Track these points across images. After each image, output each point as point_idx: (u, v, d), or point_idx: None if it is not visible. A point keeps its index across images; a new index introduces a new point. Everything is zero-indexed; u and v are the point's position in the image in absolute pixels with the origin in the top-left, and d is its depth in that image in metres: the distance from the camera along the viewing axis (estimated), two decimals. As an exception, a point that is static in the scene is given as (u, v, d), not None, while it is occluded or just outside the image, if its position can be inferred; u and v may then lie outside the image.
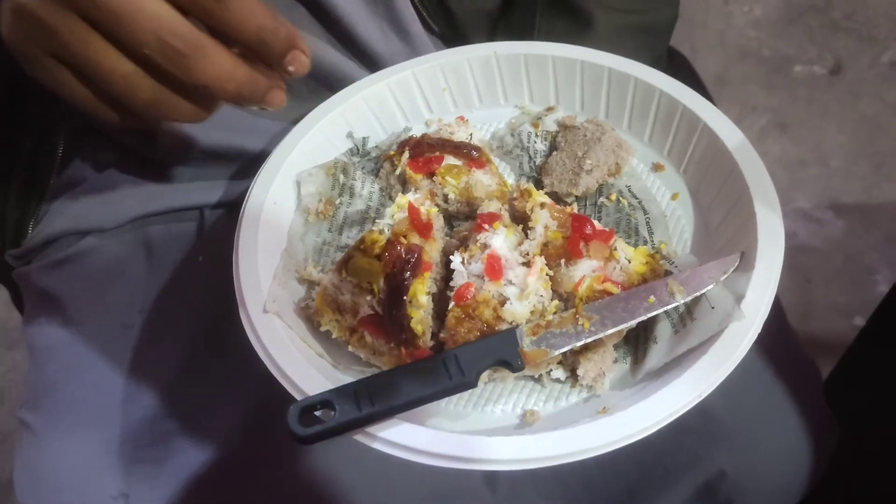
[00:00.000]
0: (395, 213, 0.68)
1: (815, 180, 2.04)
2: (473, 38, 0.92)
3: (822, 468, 0.86)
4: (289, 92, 0.58)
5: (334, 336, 0.67)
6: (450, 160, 0.78)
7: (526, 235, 0.68)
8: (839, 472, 0.91)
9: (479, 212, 0.69)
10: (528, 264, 0.65)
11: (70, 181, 0.91)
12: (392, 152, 0.81)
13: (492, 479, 0.78)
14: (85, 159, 0.92)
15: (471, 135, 0.83)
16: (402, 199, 0.69)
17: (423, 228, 0.66)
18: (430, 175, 0.78)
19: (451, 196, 0.77)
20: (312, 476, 0.74)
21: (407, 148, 0.79)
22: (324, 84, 0.88)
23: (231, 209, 0.90)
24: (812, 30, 2.33)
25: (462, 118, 0.86)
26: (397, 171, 0.79)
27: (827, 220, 1.96)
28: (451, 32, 0.94)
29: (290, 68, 0.55)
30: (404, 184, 0.79)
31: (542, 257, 0.65)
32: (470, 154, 0.79)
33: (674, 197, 0.79)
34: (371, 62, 0.90)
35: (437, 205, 0.77)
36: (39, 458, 0.78)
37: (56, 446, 0.78)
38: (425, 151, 0.79)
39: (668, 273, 0.69)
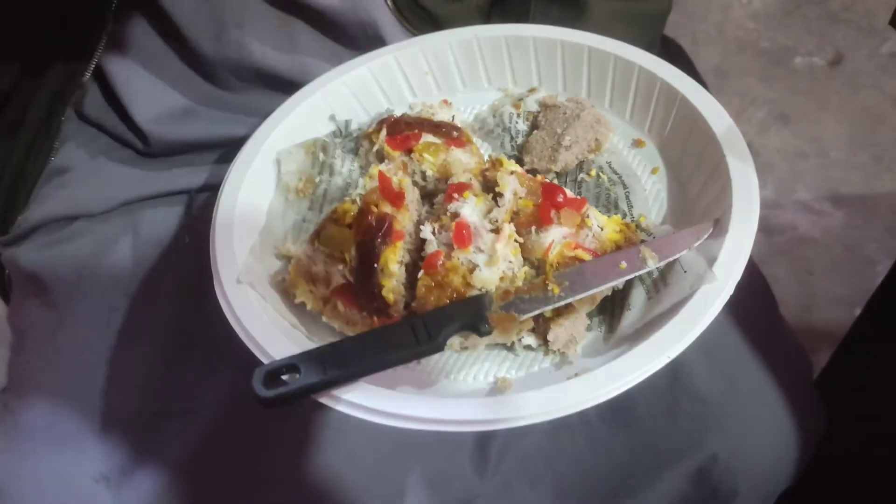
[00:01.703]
0: (367, 184, 0.68)
1: (814, 172, 2.02)
2: None
3: (810, 452, 0.86)
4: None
5: (309, 307, 0.67)
6: (428, 138, 0.78)
7: (496, 204, 0.67)
8: (830, 457, 0.90)
9: (449, 182, 0.69)
10: (496, 231, 0.64)
11: (59, 167, 0.92)
12: (371, 130, 0.81)
13: (482, 466, 0.78)
14: (75, 147, 0.93)
15: (452, 116, 0.83)
16: (374, 169, 0.69)
17: (395, 198, 0.67)
18: (409, 152, 0.77)
19: (429, 173, 0.77)
20: (298, 457, 0.74)
21: (385, 126, 0.79)
22: None
23: (218, 192, 0.90)
24: (811, 21, 2.32)
25: (446, 101, 0.86)
26: (375, 148, 0.79)
27: (827, 212, 1.94)
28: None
29: None
30: (382, 160, 0.79)
31: (511, 224, 0.65)
32: (450, 133, 0.79)
33: (654, 171, 0.79)
34: None
35: (415, 182, 0.77)
36: (20, 440, 0.78)
37: (37, 429, 0.78)
38: (403, 129, 0.79)
39: (644, 242, 0.68)
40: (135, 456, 0.76)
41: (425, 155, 0.77)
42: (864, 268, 1.85)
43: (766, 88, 2.20)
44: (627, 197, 0.77)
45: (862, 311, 1.18)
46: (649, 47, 1.03)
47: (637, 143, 0.82)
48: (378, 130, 0.80)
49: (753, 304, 0.88)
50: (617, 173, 0.79)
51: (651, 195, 0.77)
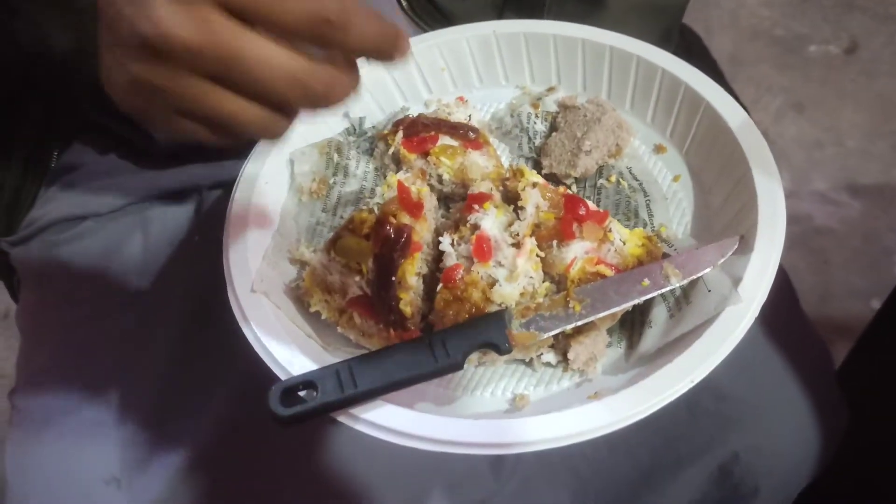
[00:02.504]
0: (384, 192, 0.67)
1: (831, 161, 2.00)
2: None
3: (831, 450, 0.85)
4: None
5: (324, 317, 0.66)
6: (445, 140, 0.77)
7: (517, 216, 0.66)
8: (850, 454, 0.90)
9: (469, 192, 0.67)
10: (517, 245, 0.63)
11: (68, 166, 0.91)
12: (386, 131, 0.79)
13: (498, 466, 0.77)
14: (83, 145, 0.92)
15: (469, 116, 0.82)
16: (392, 178, 0.68)
17: (413, 208, 0.65)
18: (425, 155, 0.76)
19: (446, 177, 0.76)
20: (309, 459, 0.73)
21: (401, 127, 0.78)
22: None
23: (228, 189, 0.88)
24: (826, 8, 2.29)
25: (462, 98, 0.85)
26: (391, 151, 0.78)
27: (844, 202, 1.93)
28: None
29: (397, 55, 0.53)
30: (398, 163, 0.78)
31: (533, 238, 0.64)
32: (467, 135, 0.77)
33: (675, 179, 0.77)
34: None
35: (431, 185, 0.76)
36: (30, 442, 0.78)
37: (47, 430, 0.78)
38: (420, 131, 0.77)
39: (665, 256, 0.67)
40: (145, 457, 0.76)
41: (442, 158, 0.75)
42: (882, 258, 1.85)
43: (780, 76, 2.17)
44: (648, 205, 0.75)
45: (882, 305, 1.16)
46: (667, 38, 1.02)
47: (658, 149, 0.80)
48: (394, 132, 0.78)
49: (775, 299, 0.87)
50: (637, 180, 0.77)
51: (672, 204, 0.75)
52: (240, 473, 0.75)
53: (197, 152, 0.90)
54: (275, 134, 0.52)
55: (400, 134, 0.77)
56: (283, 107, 0.50)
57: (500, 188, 0.69)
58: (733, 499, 0.82)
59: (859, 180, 1.96)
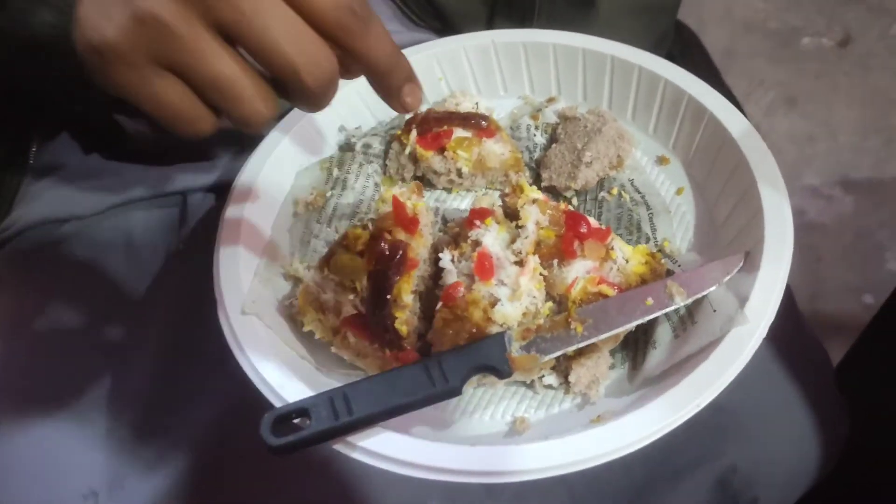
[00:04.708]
0: (379, 207, 0.65)
1: (824, 156, 1.99)
2: (467, 28, 0.88)
3: (833, 458, 0.84)
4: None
5: (317, 337, 0.64)
6: (459, 132, 0.76)
7: (519, 232, 0.64)
8: (849, 456, 0.88)
9: (471, 207, 0.65)
10: (520, 263, 0.61)
11: (48, 166, 0.89)
12: (398, 132, 0.78)
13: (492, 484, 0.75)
14: (64, 145, 0.89)
15: (476, 104, 0.81)
16: (387, 193, 0.65)
17: (409, 223, 0.63)
18: (441, 150, 0.76)
19: (465, 170, 0.76)
20: (296, 475, 0.72)
21: (414, 125, 0.77)
22: None
23: (213, 192, 0.87)
24: (820, 1, 2.27)
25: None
26: (407, 151, 0.77)
27: (836, 197, 1.92)
28: (441, 25, 0.90)
29: (408, 100, 0.54)
30: (416, 162, 0.77)
31: (536, 256, 0.62)
32: (479, 124, 0.77)
33: (679, 192, 0.75)
34: None
35: (452, 181, 0.76)
36: (5, 452, 0.75)
37: (26, 440, 0.75)
38: (433, 126, 0.76)
39: (669, 273, 0.65)
40: (122, 474, 0.74)
41: (459, 152, 0.75)
42: (874, 254, 1.83)
43: (774, 70, 2.15)
44: (651, 219, 0.73)
45: (883, 306, 1.15)
46: (662, 38, 1.00)
47: (661, 160, 0.78)
48: (408, 131, 0.77)
49: None
50: (640, 192, 0.75)
51: (676, 218, 0.74)
52: (227, 489, 0.73)
53: (181, 155, 0.88)
54: (257, 123, 0.50)
55: (414, 133, 0.76)
56: (282, 85, 0.49)
57: (501, 204, 0.67)
58: None
59: (852, 175, 1.95)
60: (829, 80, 2.13)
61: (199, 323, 0.74)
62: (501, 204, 0.67)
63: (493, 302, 0.59)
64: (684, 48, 1.12)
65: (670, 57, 0.93)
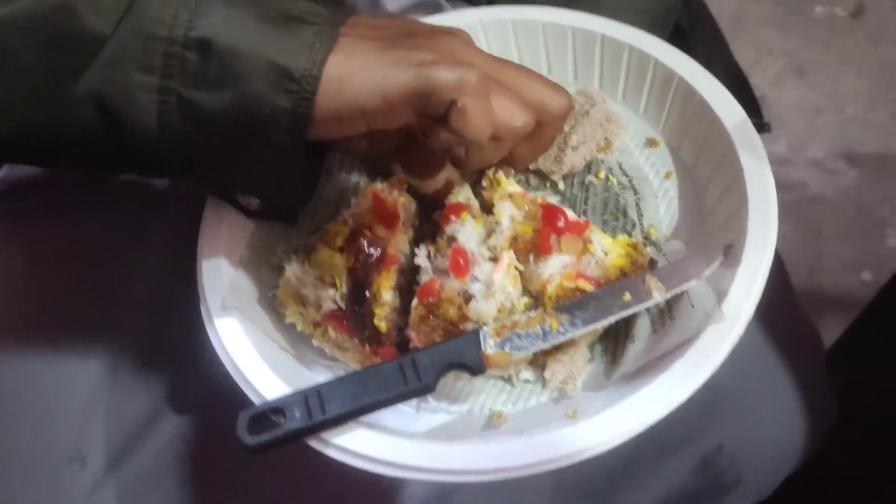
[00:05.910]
0: (359, 202, 0.64)
1: (829, 128, 1.95)
2: (455, 4, 0.87)
3: (818, 441, 0.84)
4: None
5: (299, 329, 0.65)
6: None
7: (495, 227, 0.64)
8: (836, 439, 0.89)
9: (447, 202, 0.65)
10: (495, 259, 0.61)
11: None
12: None
13: None
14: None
15: None
16: (367, 188, 0.65)
17: (389, 218, 0.63)
18: None
19: None
20: (281, 474, 0.72)
21: None
22: None
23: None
24: (835, -33, 2.22)
25: None
26: None
27: (840, 170, 1.89)
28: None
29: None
30: None
31: (511, 252, 0.62)
32: None
33: (667, 176, 0.74)
34: None
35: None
36: None
37: (10, 404, 0.75)
38: None
39: (652, 263, 0.65)
40: (112, 434, 0.74)
41: None
42: (875, 230, 1.81)
43: (783, 39, 2.10)
44: (637, 204, 0.72)
45: (879, 293, 1.14)
46: (671, 8, 0.97)
47: (651, 143, 0.77)
48: None
49: (766, 284, 0.85)
50: (627, 176, 0.74)
51: (663, 203, 0.72)
52: (211, 469, 0.74)
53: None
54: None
55: None
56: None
57: (478, 197, 0.67)
58: (714, 488, 0.81)
59: (856, 149, 1.91)
60: (839, 50, 2.08)
61: (181, 308, 0.74)
62: (478, 198, 0.67)
63: (468, 298, 0.59)
64: (693, 19, 1.09)
65: (677, 28, 0.91)
